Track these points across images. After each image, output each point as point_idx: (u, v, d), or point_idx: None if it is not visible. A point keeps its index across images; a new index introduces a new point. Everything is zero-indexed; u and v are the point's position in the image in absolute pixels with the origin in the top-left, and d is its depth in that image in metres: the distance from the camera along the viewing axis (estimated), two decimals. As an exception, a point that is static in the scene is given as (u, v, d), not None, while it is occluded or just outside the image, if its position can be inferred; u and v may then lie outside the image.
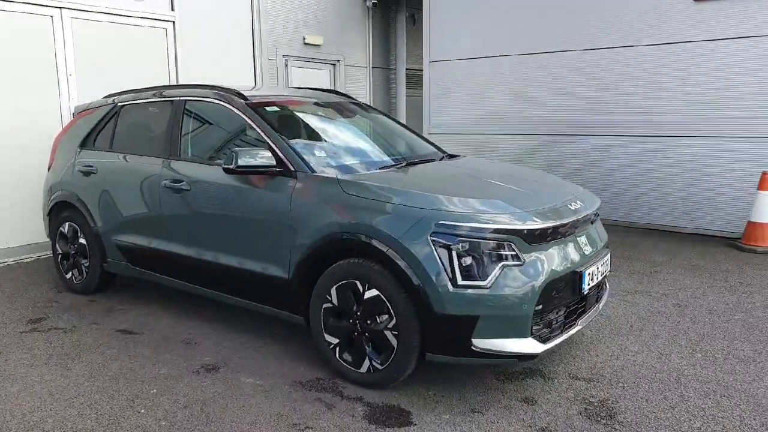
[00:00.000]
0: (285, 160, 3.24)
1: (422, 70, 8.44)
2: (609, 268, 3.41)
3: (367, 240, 2.85)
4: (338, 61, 9.07)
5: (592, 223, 3.30)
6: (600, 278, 3.19)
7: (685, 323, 3.90)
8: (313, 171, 3.19)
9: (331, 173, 3.19)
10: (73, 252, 4.52)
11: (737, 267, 5.21)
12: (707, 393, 2.95)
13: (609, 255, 3.40)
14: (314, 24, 8.58)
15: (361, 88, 9.49)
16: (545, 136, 7.37)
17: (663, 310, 4.15)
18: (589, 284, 3.01)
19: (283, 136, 3.39)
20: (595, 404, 2.86)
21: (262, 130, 3.41)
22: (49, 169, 4.76)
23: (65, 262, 4.62)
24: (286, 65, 8.31)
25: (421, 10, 8.35)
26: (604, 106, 6.84)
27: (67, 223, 4.53)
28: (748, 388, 3.00)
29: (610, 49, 6.74)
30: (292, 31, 8.27)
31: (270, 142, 3.33)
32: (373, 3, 9.29)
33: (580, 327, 3.08)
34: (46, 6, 5.59)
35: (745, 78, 5.97)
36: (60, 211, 4.58)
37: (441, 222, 2.71)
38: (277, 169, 3.22)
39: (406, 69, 10.08)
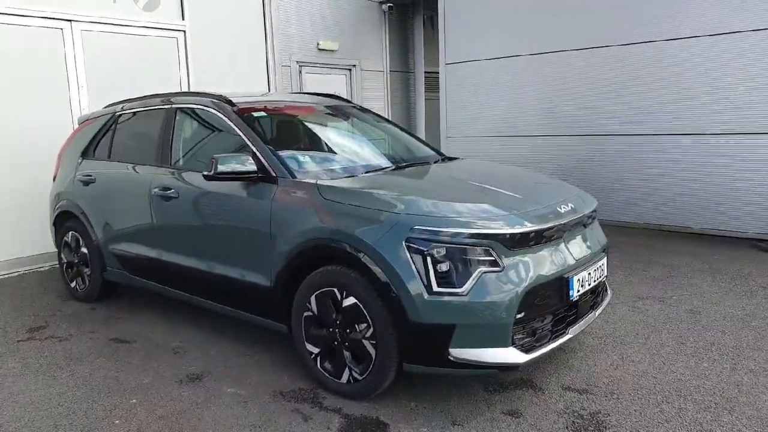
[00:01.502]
0: (267, 166, 3.19)
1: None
2: (606, 274, 3.24)
3: (343, 246, 2.77)
4: (354, 65, 9.05)
5: (585, 226, 3.14)
6: (593, 284, 3.03)
7: (696, 331, 3.68)
8: (294, 177, 3.14)
9: (312, 178, 3.13)
10: (76, 261, 4.59)
11: (760, 270, 4.92)
12: (707, 406, 2.76)
13: (606, 260, 3.23)
14: (328, 29, 8.58)
15: (378, 92, 9.44)
16: (564, 138, 7.15)
17: (674, 316, 3.94)
18: (578, 290, 2.86)
19: (268, 143, 3.35)
20: (585, 417, 2.70)
21: (245, 136, 3.37)
22: (54, 179, 4.85)
23: (69, 270, 4.70)
24: (300, 71, 8.33)
25: (438, 12, 8.26)
26: (630, 106, 6.58)
27: (70, 233, 4.60)
28: (753, 401, 2.79)
29: (634, 45, 6.49)
30: (305, 37, 8.29)
31: (253, 147, 3.30)
32: (389, 6, 9.23)
33: (572, 335, 2.92)
34: (57, 19, 5.73)
35: (769, 71, 5.66)
36: (64, 220, 4.66)
37: (416, 227, 2.61)
38: (259, 175, 3.17)
39: (425, 72, 9.98)
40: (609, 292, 3.46)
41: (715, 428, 2.57)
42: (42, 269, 5.73)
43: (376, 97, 9.32)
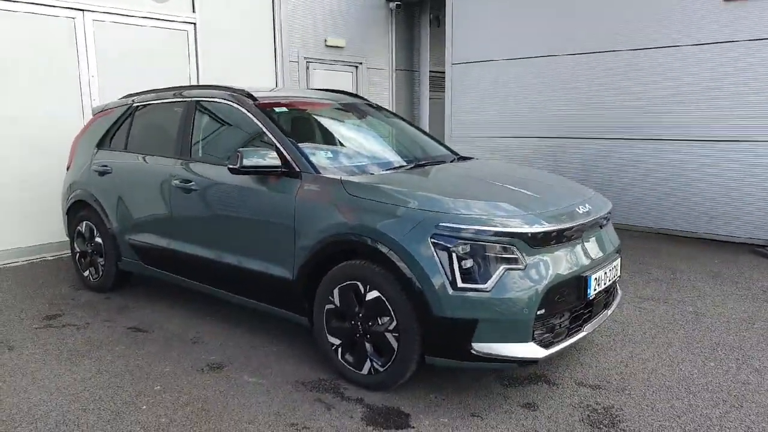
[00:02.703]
0: (290, 161, 3.25)
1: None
2: (619, 274, 3.33)
3: (368, 241, 2.84)
4: (360, 63, 9.09)
5: (601, 227, 3.23)
6: (608, 283, 3.12)
7: (701, 331, 3.79)
8: (318, 172, 3.20)
9: (336, 174, 3.19)
10: (90, 250, 4.63)
11: (761, 275, 5.04)
12: (716, 403, 2.86)
13: (619, 260, 3.33)
14: (336, 26, 8.62)
15: (383, 90, 9.49)
16: (567, 140, 7.25)
17: (679, 317, 4.04)
18: (595, 289, 2.95)
19: (290, 137, 3.40)
20: (599, 411, 2.79)
21: (268, 131, 3.43)
22: (68, 168, 4.88)
23: (83, 260, 4.73)
24: (308, 67, 8.36)
25: (445, 11, 8.32)
26: (634, 110, 6.68)
27: (84, 222, 4.63)
28: (761, 399, 2.90)
29: (637, 50, 6.60)
30: (313, 33, 8.32)
31: (276, 142, 3.35)
32: (396, 5, 9.27)
33: (586, 333, 3.01)
34: (69, 8, 5.74)
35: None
36: (77, 210, 4.69)
37: (442, 224, 2.69)
38: (283, 170, 3.23)
39: (430, 71, 10.03)
40: (619, 291, 3.56)
41: (725, 423, 2.67)
42: (53, 258, 5.76)
43: (382, 95, 9.37)
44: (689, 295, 4.54)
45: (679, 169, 6.45)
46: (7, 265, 5.51)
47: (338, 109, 4.23)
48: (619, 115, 6.79)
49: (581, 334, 2.97)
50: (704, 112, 6.20)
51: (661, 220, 6.66)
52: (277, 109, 3.66)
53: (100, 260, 4.55)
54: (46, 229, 5.71)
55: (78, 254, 4.76)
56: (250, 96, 3.68)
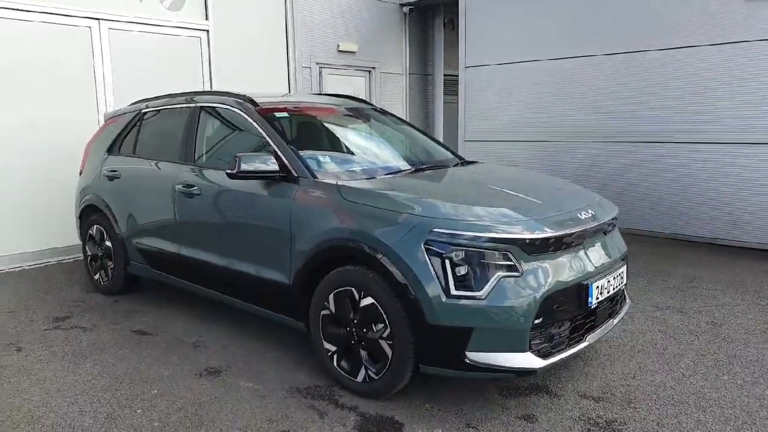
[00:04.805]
0: (288, 166, 3.24)
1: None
2: (625, 281, 3.22)
3: (362, 246, 2.80)
4: (374, 67, 9.09)
5: (606, 233, 3.13)
6: (612, 292, 3.02)
7: (717, 343, 3.64)
8: (315, 177, 3.18)
9: (332, 179, 3.17)
10: (100, 254, 4.69)
11: (784, 283, 4.84)
12: (727, 419, 2.73)
13: (625, 267, 3.22)
14: (349, 31, 8.63)
15: (397, 94, 9.46)
16: (581, 143, 7.10)
17: (694, 328, 3.89)
18: (597, 298, 2.85)
19: (289, 142, 3.39)
20: (601, 425, 2.69)
21: (267, 136, 3.43)
22: (80, 173, 4.97)
23: (93, 263, 4.80)
24: (321, 73, 8.39)
25: (459, 15, 8.26)
26: (648, 114, 6.50)
27: (95, 226, 4.70)
28: (774, 415, 2.76)
29: (652, 51, 6.43)
30: (326, 38, 8.34)
31: (274, 147, 3.34)
32: (409, 8, 9.25)
33: (589, 343, 2.91)
34: (85, 17, 5.87)
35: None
36: (89, 214, 4.77)
37: (436, 229, 2.63)
38: (280, 175, 3.22)
39: (444, 75, 9.96)
40: (628, 300, 3.44)
41: (734, 441, 2.55)
42: (65, 262, 5.87)
43: (396, 99, 9.34)
44: (707, 304, 4.37)
45: (697, 171, 6.24)
46: (24, 268, 5.63)
47: (341, 114, 4.21)
48: (634, 119, 6.62)
49: (583, 345, 2.87)
50: (731, 115, 5.99)
51: (677, 225, 6.45)
52: (277, 114, 3.65)
53: (110, 264, 4.61)
54: (62, 232, 5.81)
55: (89, 258, 4.83)
56: (251, 101, 3.68)
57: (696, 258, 5.69)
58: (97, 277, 4.77)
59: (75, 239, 5.64)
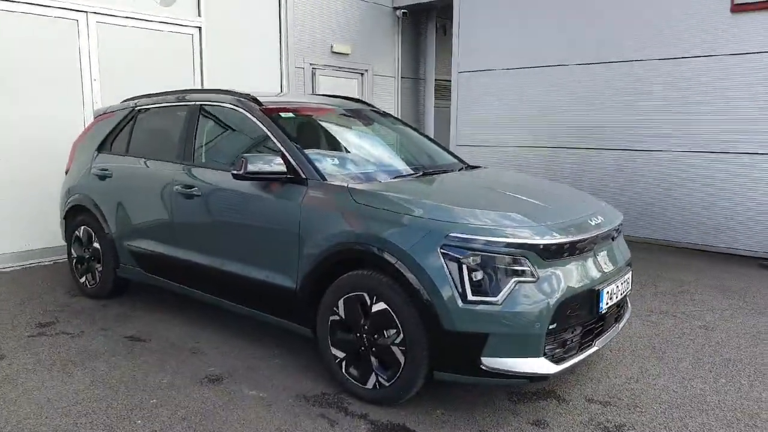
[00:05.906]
0: (296, 167, 3.17)
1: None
2: (630, 287, 3.25)
3: (375, 251, 2.75)
4: (366, 70, 9.04)
5: (613, 239, 3.15)
6: (620, 297, 3.04)
7: (711, 347, 3.70)
8: (324, 179, 3.12)
9: (342, 181, 3.12)
10: (87, 256, 4.53)
11: (769, 289, 4.97)
12: (730, 421, 2.77)
13: (631, 273, 3.25)
14: (342, 33, 8.57)
15: (388, 97, 9.43)
16: (574, 150, 7.19)
17: (688, 332, 3.96)
18: (607, 303, 2.87)
19: (296, 143, 3.33)
20: (611, 429, 2.70)
21: (274, 136, 3.35)
22: (66, 172, 4.79)
23: (79, 266, 4.63)
24: (314, 73, 8.31)
25: (452, 20, 8.28)
26: (642, 122, 6.61)
27: (82, 227, 4.54)
28: (779, 419, 2.81)
29: (646, 61, 6.54)
30: (319, 39, 8.27)
31: (282, 148, 3.28)
32: (403, 12, 9.24)
33: (598, 348, 2.92)
34: (72, 10, 5.67)
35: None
36: (76, 214, 4.59)
37: (452, 234, 2.61)
38: (288, 176, 3.15)
39: (436, 80, 9.98)
40: (629, 305, 3.48)
41: (744, 445, 2.59)
42: (47, 263, 5.65)
43: (387, 102, 9.31)
44: (697, 308, 4.46)
45: (685, 179, 6.38)
46: (4, 270, 5.40)
47: (344, 115, 4.16)
48: (627, 126, 6.73)
49: (593, 349, 2.88)
50: (719, 125, 6.12)
51: (666, 231, 6.58)
52: (283, 115, 3.58)
53: (98, 266, 4.45)
54: (42, 233, 5.61)
55: (75, 260, 4.66)
56: (255, 101, 3.60)
57: (685, 263, 5.81)
58: (83, 280, 4.61)
59: (56, 241, 5.46)
